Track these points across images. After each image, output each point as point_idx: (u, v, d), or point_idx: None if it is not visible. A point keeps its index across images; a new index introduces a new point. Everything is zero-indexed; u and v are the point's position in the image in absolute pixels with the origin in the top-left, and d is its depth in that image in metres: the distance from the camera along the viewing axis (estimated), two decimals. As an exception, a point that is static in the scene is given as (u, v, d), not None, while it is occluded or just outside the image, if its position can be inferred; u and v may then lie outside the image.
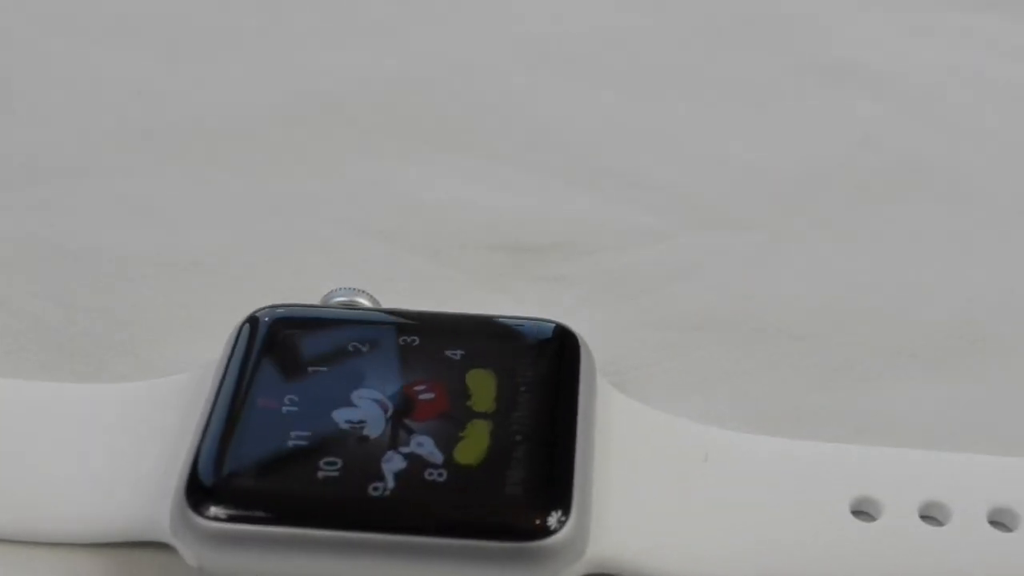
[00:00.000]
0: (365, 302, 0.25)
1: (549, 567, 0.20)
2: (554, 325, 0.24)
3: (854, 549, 0.22)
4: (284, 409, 0.22)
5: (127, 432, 0.23)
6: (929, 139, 0.33)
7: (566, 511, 0.21)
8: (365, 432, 0.22)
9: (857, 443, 0.24)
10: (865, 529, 0.22)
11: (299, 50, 0.35)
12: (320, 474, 0.21)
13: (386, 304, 0.26)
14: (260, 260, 0.28)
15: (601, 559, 0.21)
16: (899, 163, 0.32)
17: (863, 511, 0.23)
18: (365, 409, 0.22)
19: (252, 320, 0.24)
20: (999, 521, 0.22)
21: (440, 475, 0.21)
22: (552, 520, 0.20)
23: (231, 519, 0.20)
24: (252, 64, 0.35)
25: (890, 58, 0.35)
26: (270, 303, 0.24)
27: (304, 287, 0.26)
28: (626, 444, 0.23)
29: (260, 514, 0.20)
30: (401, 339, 0.23)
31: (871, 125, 0.33)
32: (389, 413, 0.22)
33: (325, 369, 0.23)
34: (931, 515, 0.23)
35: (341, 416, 0.22)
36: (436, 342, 0.23)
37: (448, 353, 0.23)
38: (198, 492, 0.21)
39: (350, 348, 0.23)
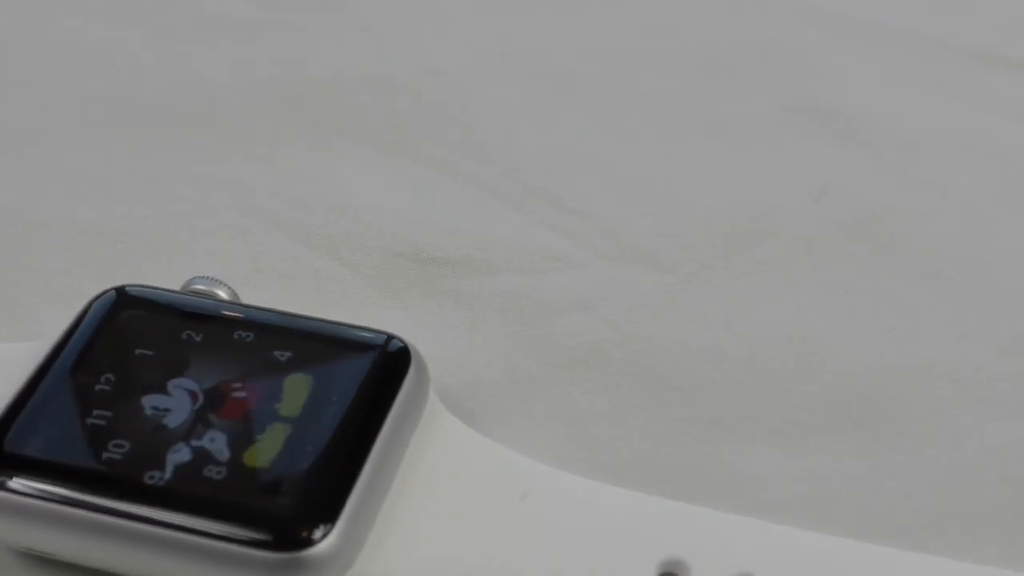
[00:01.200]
0: (223, 294, 0.25)
1: (303, 580, 0.20)
2: (392, 339, 0.23)
3: (649, 611, 0.21)
4: (97, 387, 0.22)
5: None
6: (892, 195, 0.31)
7: (331, 525, 0.20)
8: (165, 420, 0.22)
9: (700, 504, 0.23)
10: (667, 593, 0.21)
11: (281, 42, 0.35)
12: (104, 456, 0.21)
13: (262, 299, 0.26)
14: (162, 240, 0.29)
15: (365, 581, 0.21)
16: (853, 218, 0.30)
17: (672, 573, 0.22)
18: (176, 398, 0.22)
19: (100, 296, 0.24)
20: (813, 605, 0.21)
21: (219, 473, 0.21)
22: (316, 533, 0.20)
23: (1, 488, 0.21)
24: (234, 50, 0.35)
25: (872, 106, 0.33)
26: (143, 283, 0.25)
27: (199, 272, 0.26)
28: (441, 470, 0.23)
29: (31, 487, 0.21)
30: (236, 334, 0.23)
31: (836, 175, 0.31)
32: (196, 405, 0.22)
33: (152, 353, 0.23)
34: (741, 588, 0.22)
35: (149, 402, 0.22)
36: (268, 342, 0.23)
37: (276, 354, 0.23)
38: (-18, 457, 0.21)
39: (184, 336, 0.23)
